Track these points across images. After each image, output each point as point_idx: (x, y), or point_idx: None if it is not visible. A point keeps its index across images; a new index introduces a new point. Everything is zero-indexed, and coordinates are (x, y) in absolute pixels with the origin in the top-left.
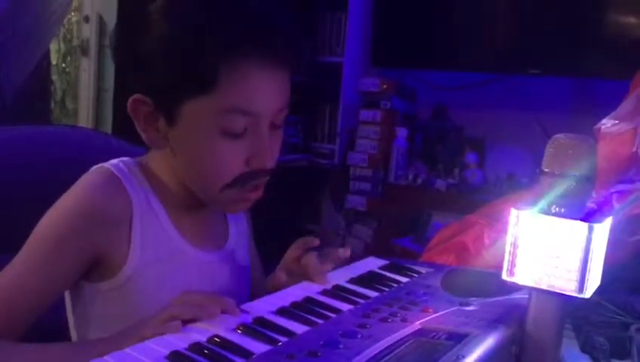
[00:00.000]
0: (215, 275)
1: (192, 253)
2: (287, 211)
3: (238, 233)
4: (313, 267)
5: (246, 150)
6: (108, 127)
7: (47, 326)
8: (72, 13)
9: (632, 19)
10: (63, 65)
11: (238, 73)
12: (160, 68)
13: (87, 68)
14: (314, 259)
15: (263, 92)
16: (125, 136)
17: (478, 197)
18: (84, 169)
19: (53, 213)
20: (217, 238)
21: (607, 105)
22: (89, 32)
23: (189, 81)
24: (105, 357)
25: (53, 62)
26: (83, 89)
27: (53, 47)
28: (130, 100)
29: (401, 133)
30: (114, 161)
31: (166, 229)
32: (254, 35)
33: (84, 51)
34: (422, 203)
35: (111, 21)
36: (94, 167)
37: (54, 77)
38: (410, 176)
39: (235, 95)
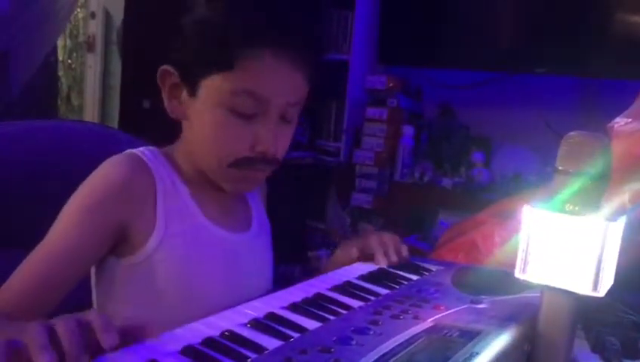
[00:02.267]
0: (239, 257)
1: (216, 232)
2: (292, 208)
3: (261, 224)
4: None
5: (252, 135)
6: (114, 124)
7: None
8: (79, 9)
9: (638, 19)
10: (69, 61)
11: (255, 60)
12: (190, 45)
13: (92, 64)
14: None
15: (275, 81)
16: (132, 134)
17: (484, 196)
18: (94, 163)
19: (80, 190)
20: (241, 224)
21: (613, 104)
22: (95, 28)
23: (210, 61)
24: (118, 352)
25: (59, 58)
26: (88, 85)
27: (59, 43)
28: (159, 70)
29: (408, 131)
30: (139, 148)
31: (190, 208)
32: (276, 30)
33: (90, 47)
34: (428, 201)
35: (118, 17)
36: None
37: (60, 73)
38: (417, 175)
39: (249, 79)
